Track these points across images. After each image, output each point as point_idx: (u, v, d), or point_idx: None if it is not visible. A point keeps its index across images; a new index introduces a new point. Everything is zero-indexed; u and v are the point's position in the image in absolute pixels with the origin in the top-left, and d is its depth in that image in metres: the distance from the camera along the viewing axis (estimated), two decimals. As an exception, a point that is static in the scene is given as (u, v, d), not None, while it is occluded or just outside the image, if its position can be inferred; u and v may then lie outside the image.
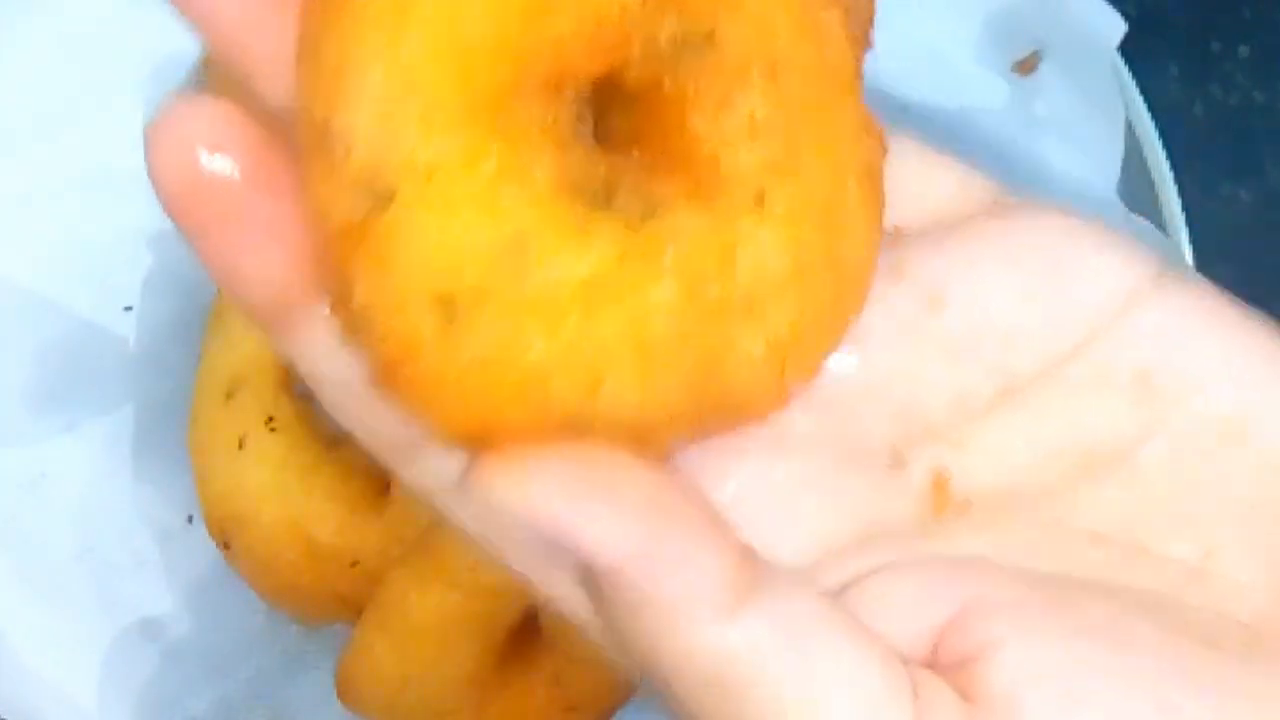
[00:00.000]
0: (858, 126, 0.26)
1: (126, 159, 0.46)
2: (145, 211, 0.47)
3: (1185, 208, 0.49)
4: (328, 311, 0.23)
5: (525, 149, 0.23)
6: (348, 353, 0.23)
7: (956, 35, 0.48)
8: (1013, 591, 0.24)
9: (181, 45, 0.46)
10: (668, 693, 0.23)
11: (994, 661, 0.23)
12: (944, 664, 0.23)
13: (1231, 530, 0.25)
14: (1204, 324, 0.26)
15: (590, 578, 0.23)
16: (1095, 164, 0.47)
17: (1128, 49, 0.47)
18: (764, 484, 0.25)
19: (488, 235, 0.22)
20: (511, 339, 0.23)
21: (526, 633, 0.42)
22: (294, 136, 0.23)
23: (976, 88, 0.48)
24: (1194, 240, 0.49)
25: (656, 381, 0.24)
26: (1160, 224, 0.47)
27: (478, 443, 0.23)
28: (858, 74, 0.26)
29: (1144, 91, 0.49)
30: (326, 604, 0.43)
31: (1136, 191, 0.48)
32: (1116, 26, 0.46)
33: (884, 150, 0.26)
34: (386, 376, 0.23)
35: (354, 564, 0.43)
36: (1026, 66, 0.48)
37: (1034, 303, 0.26)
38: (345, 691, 0.42)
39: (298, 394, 0.45)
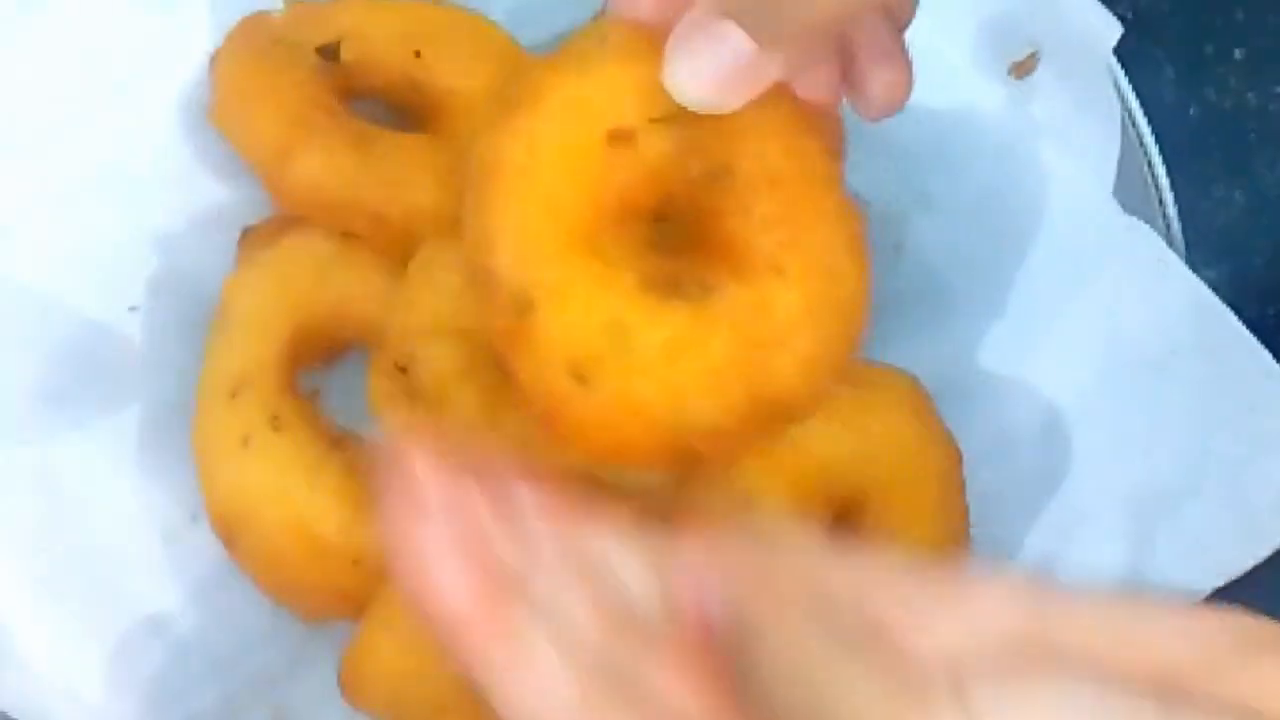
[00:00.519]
0: (840, 209, 0.38)
1: (133, 160, 0.47)
2: (150, 212, 0.47)
3: (1180, 209, 0.49)
4: None
5: (613, 263, 0.36)
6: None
7: (953, 37, 0.49)
8: None
9: (190, 45, 0.47)
10: None
11: None
12: None
13: None
14: None
15: None
16: (1091, 166, 0.47)
17: (1123, 51, 0.47)
18: None
19: (596, 323, 0.35)
20: (622, 387, 0.35)
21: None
22: None
23: (973, 90, 0.49)
24: (1188, 241, 0.49)
25: (723, 399, 0.36)
26: (1155, 225, 0.48)
27: (613, 458, 0.37)
28: (837, 175, 0.38)
29: (1139, 94, 0.50)
30: (330, 601, 0.44)
31: (1131, 193, 0.48)
32: (1112, 29, 0.47)
33: (862, 222, 0.38)
34: (546, 425, 0.36)
35: (357, 562, 0.43)
36: (1023, 69, 0.48)
37: None
38: (349, 688, 0.42)
39: (301, 393, 0.45)
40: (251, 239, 0.45)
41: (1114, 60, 0.47)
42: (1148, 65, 0.54)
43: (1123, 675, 0.23)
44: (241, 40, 0.45)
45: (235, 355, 0.44)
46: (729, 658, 0.25)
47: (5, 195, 0.45)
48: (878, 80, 0.38)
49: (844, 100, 0.43)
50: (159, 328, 0.46)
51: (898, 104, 0.39)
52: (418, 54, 0.45)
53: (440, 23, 0.46)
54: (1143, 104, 0.50)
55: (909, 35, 0.48)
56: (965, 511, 0.44)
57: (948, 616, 0.24)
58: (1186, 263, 0.47)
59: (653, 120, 0.36)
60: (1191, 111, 0.55)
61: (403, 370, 0.42)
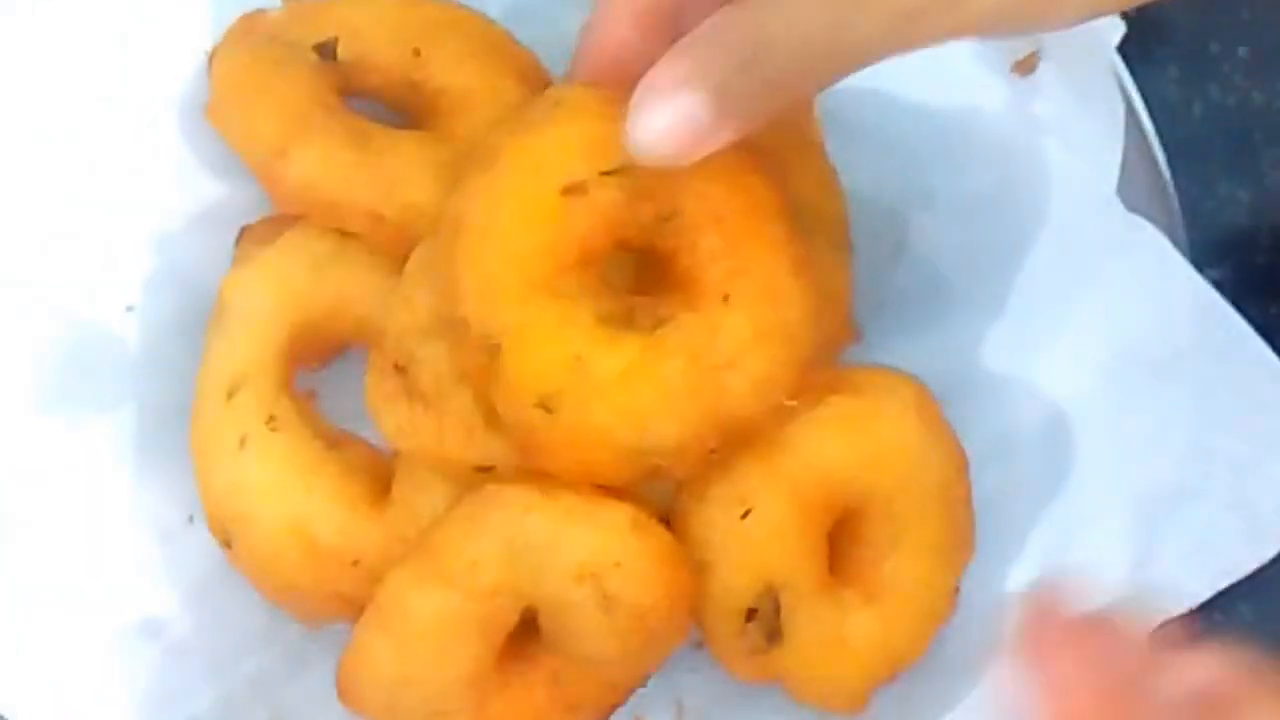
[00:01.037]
0: (784, 238, 0.41)
1: (130, 158, 0.47)
2: (147, 211, 0.48)
3: (1183, 208, 0.49)
4: None
5: (571, 304, 0.39)
6: None
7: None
8: None
9: (189, 42, 0.47)
10: None
11: None
12: None
13: None
14: None
15: None
16: (1094, 164, 0.47)
17: (1126, 49, 0.47)
18: None
19: (557, 359, 0.39)
20: (585, 415, 0.39)
21: (526, 633, 0.42)
22: None
23: (975, 88, 0.48)
24: (1192, 240, 0.49)
25: (681, 420, 0.40)
26: (1158, 224, 0.48)
27: (584, 478, 0.40)
28: (779, 205, 0.41)
29: (1142, 92, 0.50)
30: (327, 603, 0.44)
31: (1135, 192, 0.48)
32: (1115, 27, 0.47)
33: (806, 249, 0.41)
34: (521, 451, 0.40)
35: (355, 563, 0.43)
36: (1025, 66, 0.48)
37: None
38: (345, 691, 0.42)
39: (298, 393, 0.45)
40: (249, 237, 0.45)
41: (1117, 58, 0.47)
42: (1151, 63, 0.54)
43: None
44: (239, 38, 0.45)
45: (232, 355, 0.44)
46: None
47: (2, 193, 0.45)
48: None
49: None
50: (156, 327, 0.46)
51: None
52: (416, 52, 0.45)
53: (438, 21, 0.46)
54: (1146, 102, 0.49)
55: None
56: (970, 516, 0.44)
57: None
58: (1190, 262, 0.47)
59: (603, 173, 0.39)
60: (1195, 110, 0.55)
61: (401, 370, 0.42)
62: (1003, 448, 0.47)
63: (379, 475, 0.44)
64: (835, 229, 0.46)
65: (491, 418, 0.41)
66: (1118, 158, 0.47)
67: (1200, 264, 0.47)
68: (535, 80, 0.46)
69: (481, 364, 0.39)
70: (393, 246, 0.44)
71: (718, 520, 0.42)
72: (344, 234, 0.44)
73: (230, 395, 0.44)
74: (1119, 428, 0.46)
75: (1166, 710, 0.38)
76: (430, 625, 0.41)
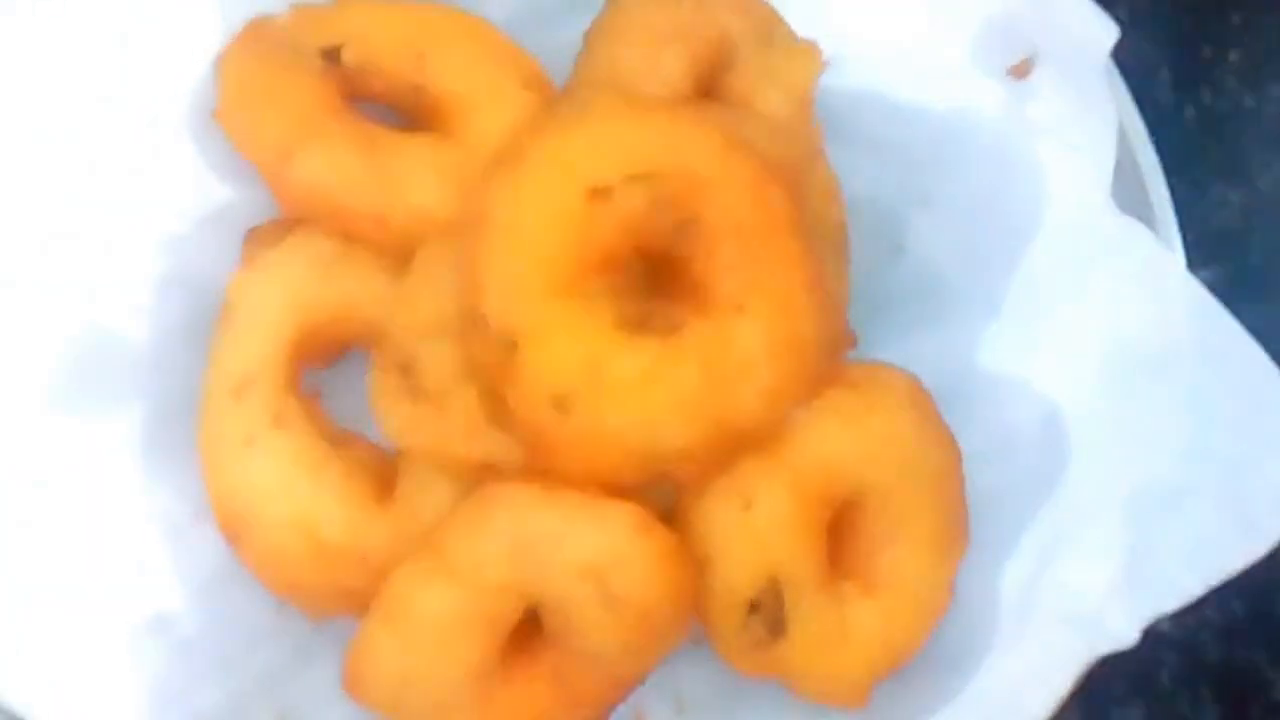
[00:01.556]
0: (799, 253, 0.42)
1: (138, 160, 0.47)
2: (155, 213, 0.48)
3: (1176, 210, 0.49)
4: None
5: (590, 306, 0.40)
6: None
7: (951, 38, 0.49)
8: None
9: (197, 45, 0.47)
10: None
11: None
12: None
13: None
14: None
15: None
16: (1089, 167, 0.47)
17: (1120, 53, 0.47)
18: None
19: (573, 360, 0.40)
20: (598, 416, 0.40)
21: (529, 629, 0.42)
22: None
23: (971, 91, 0.48)
24: (1185, 242, 0.49)
25: (691, 426, 0.40)
26: (1152, 226, 0.48)
27: (593, 479, 0.40)
28: (796, 221, 0.42)
29: (1136, 95, 0.50)
30: (334, 599, 0.44)
31: (1129, 194, 0.48)
32: (1110, 31, 0.47)
33: (819, 263, 0.42)
34: (532, 450, 0.41)
35: (360, 560, 0.43)
36: (1021, 70, 0.48)
37: None
38: (351, 685, 0.42)
39: (304, 393, 0.45)
40: (256, 240, 0.46)
41: (1111, 62, 0.47)
42: (1144, 67, 0.54)
43: None
44: (247, 42, 0.45)
45: (239, 355, 0.44)
46: None
47: (9, 194, 0.45)
48: None
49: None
50: (163, 328, 0.46)
51: None
52: (421, 57, 0.46)
53: (443, 26, 0.46)
54: (1140, 106, 0.50)
55: (909, 37, 0.49)
56: (965, 509, 0.45)
57: None
58: (1184, 263, 0.47)
59: (629, 178, 0.40)
60: (1188, 113, 0.55)
61: (405, 370, 0.42)
62: (999, 446, 0.47)
63: (384, 473, 0.45)
64: (835, 236, 0.46)
65: (495, 416, 0.41)
66: (1112, 160, 0.47)
67: (1193, 265, 0.48)
68: (539, 85, 0.46)
69: (497, 360, 0.40)
70: (398, 249, 0.44)
71: (719, 514, 0.42)
72: (350, 236, 0.45)
73: (237, 395, 0.44)
74: (1113, 427, 0.46)
75: None
76: (435, 621, 0.41)
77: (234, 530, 0.44)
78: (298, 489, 0.43)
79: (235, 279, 0.45)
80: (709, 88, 0.47)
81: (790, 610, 0.43)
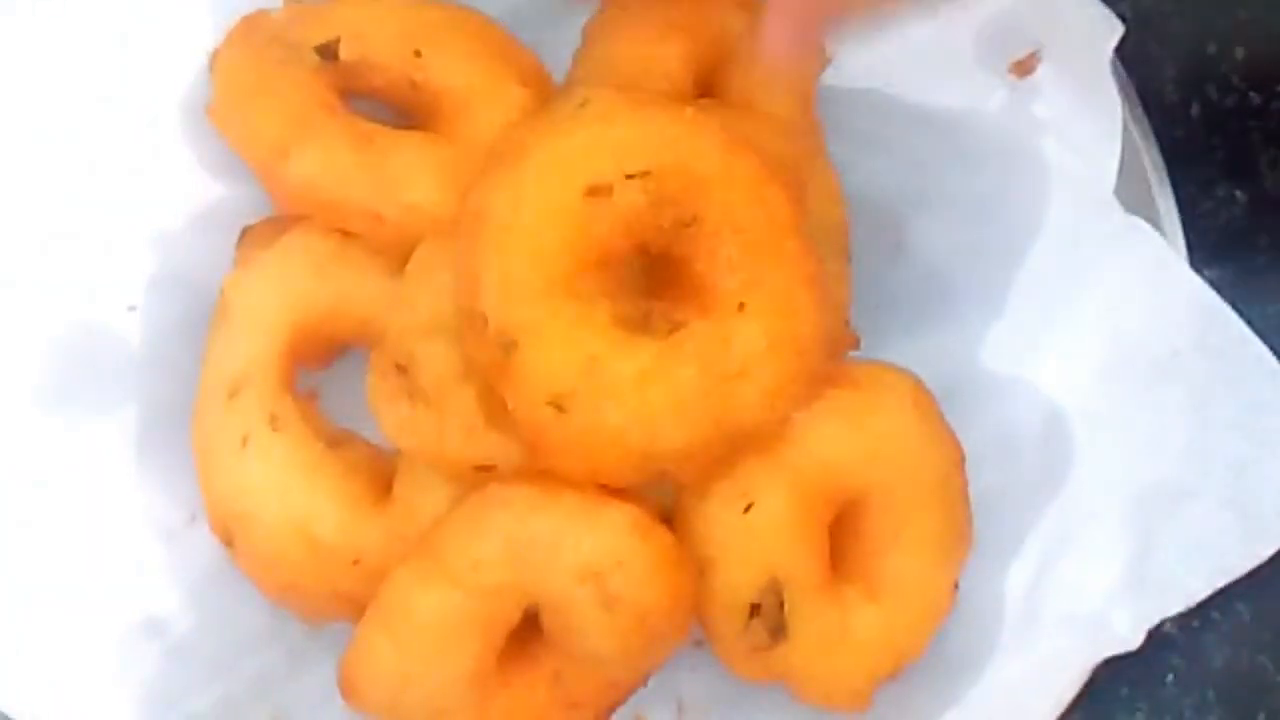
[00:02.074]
0: (800, 252, 0.42)
1: (132, 158, 0.47)
2: (150, 211, 0.48)
3: (1181, 209, 0.49)
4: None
5: (588, 305, 0.40)
6: None
7: (954, 36, 0.49)
8: None
9: (191, 43, 0.47)
10: None
11: None
12: None
13: None
14: None
15: None
16: (1092, 165, 0.47)
17: (1124, 50, 0.47)
18: None
19: (572, 359, 0.39)
20: (596, 416, 0.40)
21: (527, 631, 0.42)
22: None
23: (974, 89, 0.48)
24: (1189, 241, 0.49)
25: (690, 426, 0.40)
26: (1157, 225, 0.48)
27: (591, 478, 0.40)
28: (797, 220, 0.42)
29: (1140, 93, 0.50)
30: (329, 602, 0.44)
31: (1133, 192, 0.48)
32: (1114, 28, 0.47)
33: (820, 262, 0.42)
34: (531, 449, 0.40)
35: (356, 562, 0.43)
36: (1024, 68, 0.48)
37: None
38: (348, 690, 0.42)
39: (299, 393, 0.45)
40: (251, 238, 0.45)
41: (1115, 59, 0.47)
42: (1149, 64, 0.54)
43: None
44: (241, 39, 0.45)
45: (234, 355, 0.44)
46: None
47: (3, 193, 0.45)
48: None
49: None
50: (158, 327, 0.46)
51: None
52: (417, 53, 0.45)
53: (439, 21, 0.46)
54: (1144, 103, 0.49)
55: (910, 34, 0.48)
56: (968, 511, 0.44)
57: None
58: (1188, 262, 0.47)
59: (628, 176, 0.40)
60: (1193, 110, 0.55)
61: (402, 370, 0.42)
62: (1002, 447, 0.47)
63: (380, 475, 0.44)
64: (837, 237, 0.46)
65: (494, 416, 0.41)
66: (1116, 158, 0.47)
67: (1198, 264, 0.47)
68: (537, 81, 0.46)
69: (496, 359, 0.40)
70: (393, 247, 0.44)
71: (720, 515, 0.42)
72: (345, 235, 0.44)
73: (232, 395, 0.44)
74: (1117, 427, 0.46)
75: None
76: (433, 623, 0.41)
77: (228, 532, 0.44)
78: (293, 490, 0.43)
79: (230, 278, 0.45)
80: (709, 84, 0.46)
81: (791, 612, 0.42)
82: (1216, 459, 0.45)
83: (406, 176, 0.44)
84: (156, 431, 0.46)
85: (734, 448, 0.41)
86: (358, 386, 0.44)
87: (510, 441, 0.41)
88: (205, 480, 0.44)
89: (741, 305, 0.41)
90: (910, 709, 0.45)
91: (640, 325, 0.41)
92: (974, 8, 0.48)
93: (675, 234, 0.41)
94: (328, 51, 0.45)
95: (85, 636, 0.45)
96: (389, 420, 0.43)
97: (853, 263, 0.46)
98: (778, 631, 0.43)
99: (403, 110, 0.46)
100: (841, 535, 0.44)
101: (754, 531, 0.42)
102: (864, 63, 0.48)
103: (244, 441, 0.43)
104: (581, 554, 0.40)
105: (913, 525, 0.44)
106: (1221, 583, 0.45)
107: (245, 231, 0.46)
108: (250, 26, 0.46)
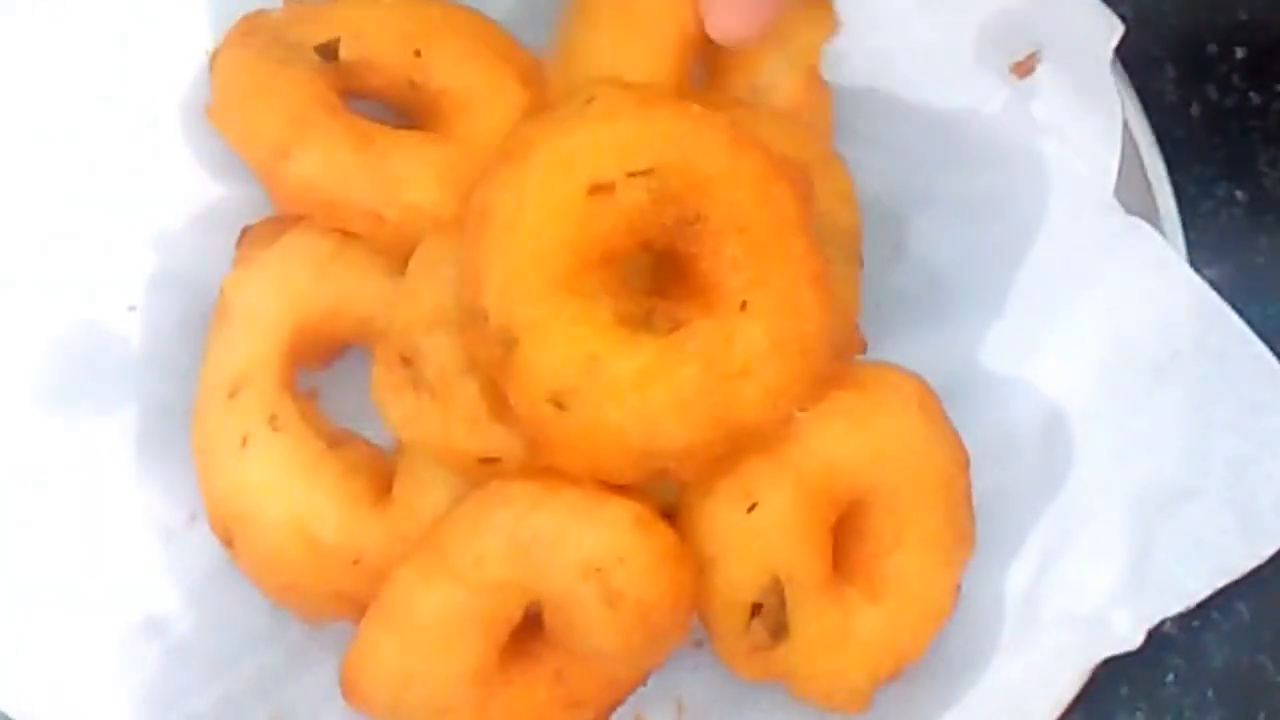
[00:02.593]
0: (805, 250, 0.41)
1: (132, 158, 0.47)
2: (149, 211, 0.48)
3: (1181, 209, 0.49)
4: None
5: (591, 302, 0.40)
6: None
7: (953, 36, 0.48)
8: None
9: (190, 42, 0.47)
10: None
11: None
12: None
13: None
14: None
15: None
16: (1092, 165, 0.47)
17: (1124, 51, 0.47)
18: None
19: (573, 357, 0.40)
20: (597, 413, 0.40)
21: (529, 630, 0.42)
22: None
23: (973, 89, 0.48)
24: (1190, 241, 0.49)
25: (691, 425, 0.40)
26: (1157, 225, 0.47)
27: (592, 476, 0.41)
28: (803, 219, 0.41)
29: (1140, 93, 0.49)
30: (329, 602, 0.44)
31: (1133, 192, 0.48)
32: (1114, 28, 0.47)
33: (825, 262, 0.42)
34: (532, 446, 0.41)
35: (356, 562, 0.43)
36: (1024, 68, 0.48)
37: None
38: (349, 689, 0.42)
39: (299, 393, 0.45)
40: (251, 238, 0.45)
41: (1115, 59, 0.47)
42: (1149, 64, 0.54)
43: None
44: (240, 39, 0.45)
45: (234, 355, 0.44)
46: None
47: (3, 193, 0.45)
48: None
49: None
50: (157, 327, 0.46)
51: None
52: (417, 53, 0.45)
53: (439, 21, 0.46)
54: (1144, 103, 0.49)
55: (909, 34, 0.48)
56: (971, 513, 0.44)
57: None
58: (1188, 262, 0.47)
59: (631, 174, 0.40)
60: (1193, 110, 0.55)
61: (407, 362, 0.42)
62: (1002, 447, 0.47)
63: (380, 474, 0.44)
64: (848, 241, 0.46)
65: (498, 410, 0.41)
66: (1116, 159, 0.47)
67: (1198, 264, 0.47)
68: (536, 82, 0.46)
69: (497, 356, 0.40)
70: (394, 247, 0.44)
71: (723, 514, 0.42)
72: (345, 234, 0.44)
73: (232, 395, 0.44)
74: (1117, 427, 0.46)
75: None
76: (435, 621, 0.41)
77: (228, 532, 0.44)
78: (293, 490, 0.43)
79: (230, 277, 0.45)
80: (712, 62, 0.46)
81: (792, 612, 0.42)
82: (1216, 459, 0.45)
83: (406, 176, 0.44)
84: (156, 431, 0.46)
85: (736, 447, 0.41)
86: (358, 386, 0.44)
87: (515, 434, 0.41)
88: (205, 480, 0.44)
89: (744, 304, 0.41)
90: (911, 709, 0.45)
91: (642, 323, 0.40)
92: (974, 8, 0.48)
93: (678, 232, 0.41)
94: (328, 51, 0.45)
95: (85, 636, 0.45)
96: (394, 413, 0.43)
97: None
98: (779, 631, 0.42)
99: (403, 110, 0.46)
100: (844, 535, 0.44)
101: (757, 531, 0.42)
102: (864, 62, 0.48)
103: (244, 441, 0.43)
104: (583, 550, 0.40)
105: (916, 526, 0.44)
106: (1221, 583, 0.45)
107: (245, 231, 0.46)
108: (250, 26, 0.46)
